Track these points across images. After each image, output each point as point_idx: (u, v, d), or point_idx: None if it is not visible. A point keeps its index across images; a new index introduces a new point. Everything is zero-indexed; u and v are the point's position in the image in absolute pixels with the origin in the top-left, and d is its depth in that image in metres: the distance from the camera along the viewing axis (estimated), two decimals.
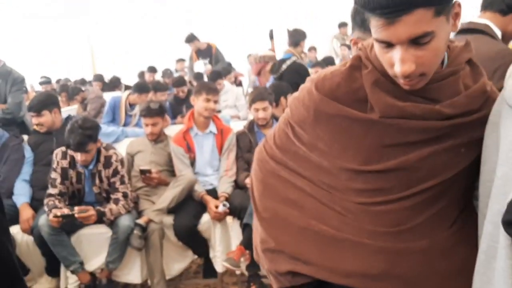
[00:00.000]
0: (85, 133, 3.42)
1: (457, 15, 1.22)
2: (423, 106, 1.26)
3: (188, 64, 9.03)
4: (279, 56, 5.66)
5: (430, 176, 1.29)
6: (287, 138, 1.48)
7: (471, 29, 2.05)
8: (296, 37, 5.33)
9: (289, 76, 4.91)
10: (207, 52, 8.63)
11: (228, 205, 3.65)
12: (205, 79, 7.62)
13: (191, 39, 8.41)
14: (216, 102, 3.91)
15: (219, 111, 6.04)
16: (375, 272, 1.30)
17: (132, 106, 6.10)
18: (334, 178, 1.36)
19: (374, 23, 1.16)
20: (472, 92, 1.29)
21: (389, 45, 1.17)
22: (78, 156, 3.51)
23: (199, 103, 3.91)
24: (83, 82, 9.11)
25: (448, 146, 1.28)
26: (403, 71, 1.16)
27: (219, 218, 3.67)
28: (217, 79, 6.61)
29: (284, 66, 5.06)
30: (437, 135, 1.28)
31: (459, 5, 1.21)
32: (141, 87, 6.00)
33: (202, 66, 8.52)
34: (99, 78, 9.43)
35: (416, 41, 1.13)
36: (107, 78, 9.95)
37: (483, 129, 1.24)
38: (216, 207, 3.64)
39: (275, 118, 4.01)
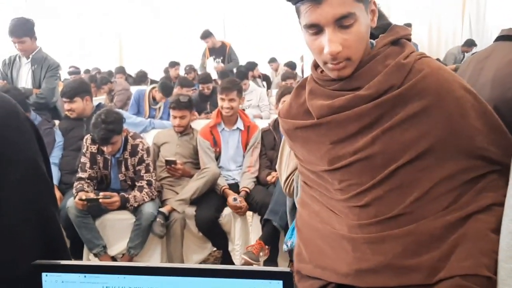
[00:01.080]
0: (108, 128, 3.46)
1: (374, 12, 1.34)
2: (346, 96, 1.34)
3: (200, 61, 9.02)
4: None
5: (389, 159, 1.32)
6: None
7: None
8: None
9: None
10: (220, 51, 8.61)
11: (238, 200, 3.69)
12: (214, 77, 7.68)
13: (206, 35, 8.40)
14: (232, 100, 3.93)
15: (243, 110, 6.08)
16: (366, 266, 1.34)
17: (155, 100, 6.19)
18: (325, 182, 1.47)
19: (303, 9, 1.28)
20: (388, 70, 1.31)
21: (318, 31, 1.28)
22: (105, 148, 3.58)
23: (218, 101, 3.97)
24: (110, 74, 9.22)
25: (387, 126, 1.31)
26: (331, 51, 1.26)
27: (239, 213, 3.71)
28: (243, 79, 6.65)
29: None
30: (370, 120, 1.33)
31: (374, 3, 1.34)
32: (166, 88, 6.08)
33: (212, 64, 8.52)
34: (121, 70, 9.55)
35: (341, 23, 1.25)
36: (133, 72, 10.07)
37: (418, 100, 1.27)
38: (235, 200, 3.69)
39: None
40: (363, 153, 1.33)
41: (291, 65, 9.06)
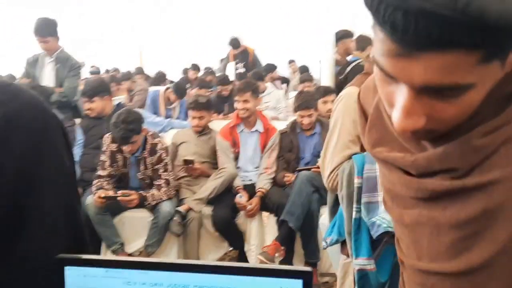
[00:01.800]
0: (128, 128, 3.49)
1: None
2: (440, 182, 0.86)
3: (222, 63, 9.05)
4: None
5: None
6: None
7: None
8: (363, 43, 5.39)
9: (354, 78, 4.97)
10: (243, 56, 8.60)
11: (242, 197, 3.71)
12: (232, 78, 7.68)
13: (237, 44, 8.41)
14: (246, 101, 3.94)
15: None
16: None
17: (170, 101, 6.21)
18: None
19: (382, 39, 0.68)
20: None
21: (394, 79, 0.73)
22: (125, 147, 3.61)
23: (235, 102, 4.00)
24: (129, 74, 9.29)
25: None
26: (403, 126, 0.73)
27: (248, 214, 3.73)
28: (259, 81, 6.65)
29: (348, 69, 5.13)
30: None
31: None
32: (179, 89, 6.11)
33: (233, 68, 8.52)
34: (140, 71, 9.63)
35: (439, 92, 0.69)
36: (152, 73, 10.13)
37: None
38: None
39: (319, 121, 4.03)
40: None
41: (305, 70, 9.03)
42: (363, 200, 1.94)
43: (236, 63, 8.58)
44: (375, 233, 1.88)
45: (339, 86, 5.11)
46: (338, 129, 2.12)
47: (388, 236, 1.90)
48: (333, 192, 2.18)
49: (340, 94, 2.22)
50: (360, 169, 1.97)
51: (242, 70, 8.45)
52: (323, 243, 2.27)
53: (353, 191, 1.97)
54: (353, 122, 2.07)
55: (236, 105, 3.97)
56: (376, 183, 1.93)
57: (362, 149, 2.07)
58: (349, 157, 2.07)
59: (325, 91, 4.49)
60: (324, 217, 3.31)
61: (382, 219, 1.87)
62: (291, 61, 11.18)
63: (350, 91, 2.17)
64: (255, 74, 6.95)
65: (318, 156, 3.85)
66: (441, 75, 0.66)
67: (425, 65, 0.66)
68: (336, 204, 2.18)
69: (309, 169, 3.69)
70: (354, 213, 1.97)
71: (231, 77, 7.75)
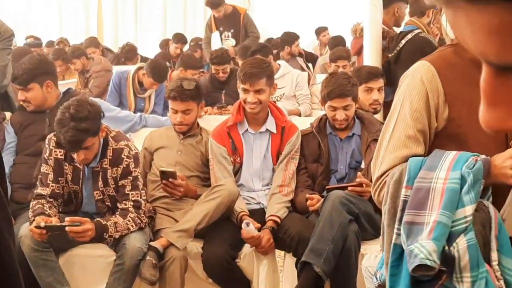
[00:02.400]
0: (79, 127, 3.47)
1: None
2: None
3: (204, 35, 8.96)
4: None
5: None
6: None
7: None
8: (422, 4, 5.38)
9: (409, 56, 4.98)
10: (232, 20, 8.53)
11: (251, 225, 3.69)
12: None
13: (215, 3, 8.26)
14: (260, 92, 3.92)
15: (275, 103, 6.08)
16: None
17: (143, 87, 6.23)
18: None
19: None
20: None
21: None
22: (75, 154, 3.61)
23: (240, 93, 3.99)
24: (82, 49, 9.31)
25: None
26: (485, 121, 0.76)
27: (260, 250, 3.72)
28: (268, 56, 6.62)
29: (402, 42, 5.14)
30: None
31: None
32: (158, 70, 6.08)
33: (217, 40, 8.45)
34: (94, 42, 9.52)
35: None
36: (117, 46, 10.16)
37: None
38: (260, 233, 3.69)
39: (358, 117, 4.03)
40: None
41: (339, 42, 8.99)
42: (405, 218, 1.98)
43: (221, 33, 8.48)
44: (410, 266, 1.92)
45: (388, 67, 5.10)
46: (395, 119, 2.17)
47: (442, 275, 1.91)
48: (380, 205, 2.22)
49: (408, 70, 2.27)
50: (412, 176, 1.99)
51: (231, 42, 8.38)
52: (373, 278, 2.27)
53: (398, 205, 1.99)
54: (415, 111, 2.10)
55: (243, 96, 3.95)
56: (427, 197, 1.96)
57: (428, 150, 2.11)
58: (405, 160, 2.09)
59: (369, 74, 4.47)
60: (368, 258, 3.29)
61: (421, 247, 1.89)
62: (321, 29, 11.15)
63: (417, 66, 2.23)
64: (263, 48, 6.91)
65: (357, 169, 3.86)
66: None
67: None
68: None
69: (344, 188, 3.68)
70: (394, 236, 1.99)
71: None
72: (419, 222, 1.96)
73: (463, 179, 1.96)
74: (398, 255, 2.01)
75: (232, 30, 8.46)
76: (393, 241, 2.00)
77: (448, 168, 1.99)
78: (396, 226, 2.01)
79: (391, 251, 2.01)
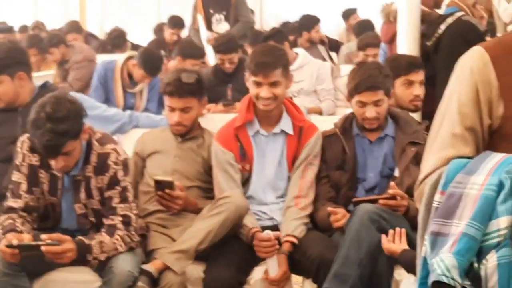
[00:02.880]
0: (58, 129, 3.45)
1: None
2: None
3: (191, 19, 8.90)
4: None
5: None
6: None
7: None
8: None
9: (450, 43, 5.01)
10: (222, 1, 8.57)
11: (271, 234, 3.68)
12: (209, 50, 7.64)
13: None
14: (275, 84, 3.92)
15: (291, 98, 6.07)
16: None
17: (133, 80, 6.23)
18: None
19: None
20: None
21: None
22: (53, 162, 3.60)
23: (250, 88, 3.98)
24: (60, 35, 9.34)
25: None
26: None
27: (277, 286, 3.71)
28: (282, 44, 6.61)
29: (442, 27, 5.14)
30: None
31: None
32: (150, 61, 6.08)
33: (203, 28, 8.40)
34: (75, 27, 9.52)
35: None
36: (102, 32, 10.18)
37: None
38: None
39: (391, 115, 4.02)
40: None
41: (368, 27, 8.98)
42: (431, 228, 1.95)
43: (211, 15, 8.32)
44: (429, 282, 1.91)
45: (427, 56, 5.08)
46: (443, 115, 2.17)
47: None
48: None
49: (461, 57, 2.26)
50: (449, 180, 1.97)
51: (224, 26, 8.30)
52: None
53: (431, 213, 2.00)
54: (462, 106, 2.09)
55: (255, 90, 3.94)
56: (457, 204, 1.93)
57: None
58: (449, 161, 2.07)
59: (409, 65, 4.46)
60: (407, 283, 3.28)
61: (440, 261, 1.87)
62: (349, 12, 11.14)
63: (469, 52, 2.22)
64: (276, 34, 6.91)
65: (390, 177, 3.85)
66: None
67: None
68: None
69: (374, 201, 3.66)
70: (424, 248, 1.99)
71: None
72: (444, 233, 1.93)
73: (501, 186, 1.95)
74: (428, 271, 1.99)
75: (224, 12, 8.41)
76: (421, 254, 1.99)
77: (488, 173, 1.96)
78: (426, 236, 1.98)
79: (420, 266, 1.99)
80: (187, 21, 10.13)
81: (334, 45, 9.46)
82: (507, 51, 2.17)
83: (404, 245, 3.37)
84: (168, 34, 9.97)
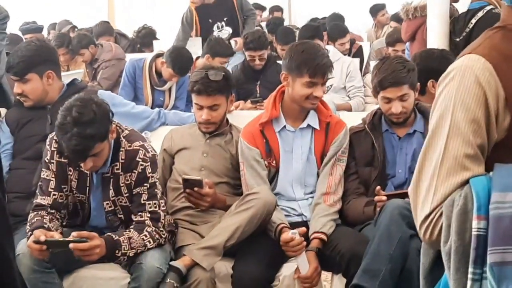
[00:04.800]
0: (84, 133, 3.44)
1: None
2: None
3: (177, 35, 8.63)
4: None
5: None
6: None
7: None
8: None
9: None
10: (222, 8, 8.21)
11: (297, 233, 3.68)
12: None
13: None
14: (324, 84, 3.97)
15: None
16: None
17: (162, 78, 6.23)
18: None
19: None
20: None
21: None
22: (82, 163, 3.62)
23: (297, 87, 3.94)
24: (90, 37, 9.38)
25: None
26: None
27: (309, 283, 3.70)
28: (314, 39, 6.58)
29: (473, 21, 5.11)
30: None
31: None
32: (180, 60, 6.07)
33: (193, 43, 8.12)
34: (106, 30, 9.42)
35: None
36: (130, 30, 10.20)
37: None
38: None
39: (419, 110, 3.99)
40: None
41: (397, 21, 8.95)
42: (490, 258, 1.82)
43: (211, 26, 8.07)
44: None
45: (456, 53, 5.05)
46: (446, 134, 1.98)
47: None
48: (433, 246, 2.08)
49: (450, 67, 2.08)
50: (483, 203, 1.83)
51: (227, 31, 8.14)
52: None
53: (469, 242, 1.88)
54: (473, 122, 1.94)
55: (305, 90, 3.88)
56: None
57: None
58: (465, 185, 1.93)
59: (442, 58, 4.45)
60: None
61: None
62: (378, 8, 11.08)
63: (467, 62, 2.03)
64: (306, 30, 6.89)
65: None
66: None
67: None
68: (436, 268, 2.11)
69: (404, 195, 3.64)
70: (469, 283, 1.88)
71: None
72: (510, 261, 1.80)
73: None
74: None
75: (225, 18, 8.21)
76: None
77: None
78: (470, 270, 1.85)
79: None
80: None
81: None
82: (503, 55, 2.04)
83: None
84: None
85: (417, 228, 2.01)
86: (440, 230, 1.94)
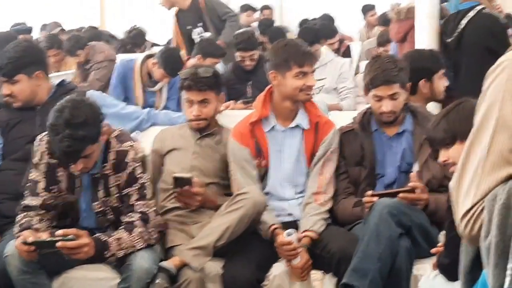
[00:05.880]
0: (77, 135, 3.44)
1: None
2: None
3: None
4: None
5: None
6: None
7: None
8: None
9: (474, 37, 5.00)
10: (194, 15, 8.03)
11: (293, 233, 3.70)
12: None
13: None
14: (313, 73, 3.99)
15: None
16: None
17: (152, 79, 6.22)
18: None
19: None
20: None
21: None
22: (72, 165, 3.61)
23: (288, 82, 3.94)
24: (81, 38, 9.36)
25: None
26: None
27: (300, 274, 3.71)
28: (313, 44, 6.58)
29: (464, 22, 5.11)
30: None
31: None
32: (171, 61, 6.02)
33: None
34: (93, 35, 9.19)
35: None
36: (121, 31, 10.20)
37: None
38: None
39: (409, 110, 4.01)
40: None
41: (386, 22, 8.96)
42: None
43: (190, 32, 8.01)
44: None
45: (447, 51, 5.07)
46: (492, 127, 1.91)
47: None
48: (473, 242, 2.03)
49: (500, 59, 2.00)
50: None
51: (206, 35, 8.02)
52: None
53: (509, 238, 1.85)
54: None
55: (298, 82, 3.90)
56: None
57: None
58: (508, 180, 1.86)
59: (434, 58, 4.49)
60: (426, 279, 3.25)
61: None
62: (368, 8, 11.12)
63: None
64: (305, 32, 6.88)
65: (409, 172, 3.83)
66: None
67: None
68: (475, 267, 2.09)
69: (393, 195, 3.66)
70: (508, 279, 1.85)
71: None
72: None
73: None
74: None
75: (200, 24, 8.04)
76: (505, 286, 1.79)
77: None
78: (510, 265, 1.78)
79: None
80: None
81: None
82: None
83: None
84: None
85: (457, 223, 1.96)
86: (480, 225, 1.89)
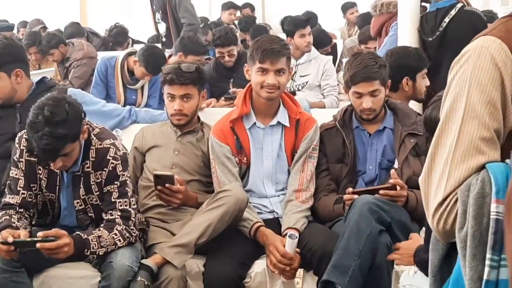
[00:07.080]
0: (56, 133, 3.42)
1: None
2: None
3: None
4: None
5: None
6: None
7: None
8: None
9: (459, 36, 5.01)
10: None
11: (296, 236, 3.70)
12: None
13: None
14: (281, 72, 3.93)
15: (293, 93, 6.06)
16: None
17: (134, 76, 6.22)
18: None
19: None
20: None
21: None
22: (52, 163, 3.60)
23: (252, 76, 3.97)
24: (60, 36, 9.32)
25: None
26: None
27: (285, 275, 3.72)
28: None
29: (446, 20, 5.15)
30: None
31: None
32: (153, 58, 6.03)
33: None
34: (77, 31, 9.17)
35: None
36: (102, 28, 10.17)
37: None
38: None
39: (389, 107, 4.03)
40: None
41: (367, 21, 8.98)
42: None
43: (154, 13, 8.09)
44: None
45: (429, 49, 5.10)
46: (460, 117, 1.91)
47: None
48: (445, 237, 1.96)
49: (465, 49, 2.01)
50: (502, 187, 1.77)
51: (161, 26, 8.07)
52: None
53: (486, 227, 1.84)
54: (489, 104, 1.88)
55: (258, 78, 3.90)
56: None
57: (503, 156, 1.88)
58: (480, 170, 1.86)
59: (419, 56, 4.57)
60: (406, 275, 3.28)
61: None
62: (348, 6, 11.15)
63: (483, 43, 1.97)
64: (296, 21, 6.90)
65: (389, 169, 3.85)
66: None
67: None
68: (445, 265, 2.08)
69: (374, 191, 3.68)
70: (487, 269, 1.84)
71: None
72: None
73: None
74: None
75: (160, 11, 8.05)
76: (485, 277, 1.78)
77: None
78: (488, 256, 1.78)
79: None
80: None
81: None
82: None
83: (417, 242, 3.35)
84: None
85: (429, 218, 1.95)
86: (454, 217, 1.87)
